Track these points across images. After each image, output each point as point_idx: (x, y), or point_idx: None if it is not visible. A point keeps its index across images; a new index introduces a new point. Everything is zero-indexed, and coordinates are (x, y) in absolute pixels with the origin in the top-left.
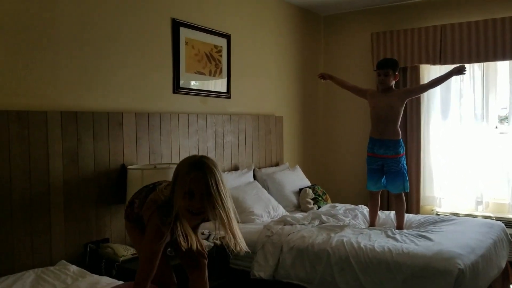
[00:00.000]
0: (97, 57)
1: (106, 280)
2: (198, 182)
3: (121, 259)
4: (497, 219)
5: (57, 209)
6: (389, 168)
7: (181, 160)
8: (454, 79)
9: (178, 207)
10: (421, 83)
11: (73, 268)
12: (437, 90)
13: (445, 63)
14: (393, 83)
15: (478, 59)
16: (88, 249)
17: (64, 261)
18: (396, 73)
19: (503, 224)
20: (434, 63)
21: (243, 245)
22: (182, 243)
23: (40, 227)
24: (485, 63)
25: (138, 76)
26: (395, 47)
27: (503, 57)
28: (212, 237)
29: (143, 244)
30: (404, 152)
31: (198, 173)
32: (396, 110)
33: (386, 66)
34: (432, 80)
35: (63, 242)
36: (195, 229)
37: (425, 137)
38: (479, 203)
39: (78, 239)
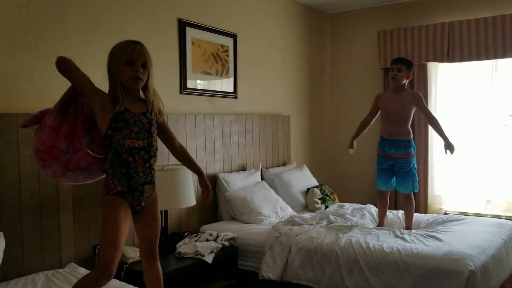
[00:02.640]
0: (103, 53)
1: (114, 283)
2: (137, 52)
3: (130, 261)
4: (507, 218)
5: (66, 211)
6: (400, 168)
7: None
8: (462, 75)
9: (121, 77)
10: (429, 81)
11: (82, 270)
12: (444, 88)
13: (453, 60)
14: (405, 81)
15: (487, 56)
16: (96, 251)
17: (73, 264)
18: (410, 72)
19: None
20: (442, 61)
21: (162, 107)
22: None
23: (50, 229)
24: (493, 60)
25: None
26: (402, 45)
27: None
28: (220, 238)
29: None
30: (415, 152)
31: (136, 46)
32: (407, 111)
33: (400, 61)
34: (437, 123)
35: (72, 244)
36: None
37: (433, 135)
38: (488, 202)
39: (87, 241)
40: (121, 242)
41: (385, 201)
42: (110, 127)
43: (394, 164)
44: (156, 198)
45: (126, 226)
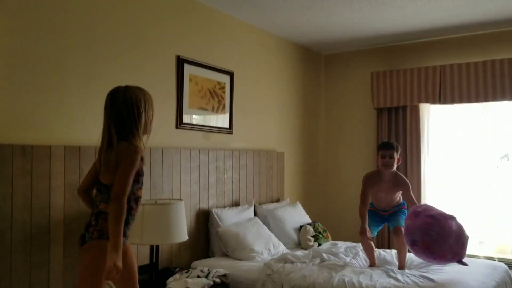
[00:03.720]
0: (102, 92)
1: None
2: None
3: None
4: (500, 260)
5: (56, 243)
6: (393, 213)
7: (118, 94)
8: (457, 116)
9: (147, 124)
10: (421, 121)
11: None
12: (436, 129)
13: (444, 102)
14: (395, 166)
15: (477, 99)
16: None
17: None
18: (399, 156)
19: (506, 266)
20: (433, 102)
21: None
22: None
23: (39, 262)
24: (484, 103)
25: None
26: (394, 86)
27: (502, 98)
28: (211, 275)
29: (118, 181)
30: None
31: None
32: (397, 194)
33: (391, 147)
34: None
35: (61, 278)
36: None
37: (425, 174)
38: (481, 243)
39: (75, 277)
40: None
41: (371, 242)
42: (134, 179)
43: (387, 216)
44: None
45: None
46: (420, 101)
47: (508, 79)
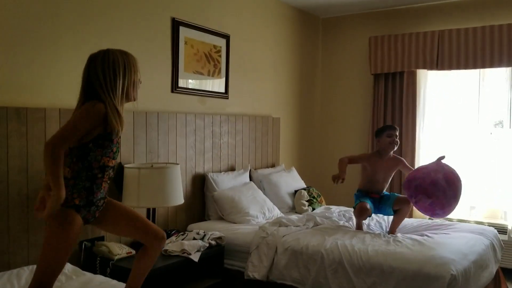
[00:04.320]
0: None
1: (99, 278)
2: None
3: (116, 257)
4: (490, 225)
5: None
6: (385, 196)
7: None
8: (451, 83)
9: (129, 90)
10: (418, 87)
11: (68, 266)
12: (432, 95)
13: (442, 68)
14: None
15: (474, 65)
16: (83, 246)
17: None
18: None
19: (495, 230)
20: (431, 68)
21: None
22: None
23: (36, 223)
24: (481, 70)
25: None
26: (392, 51)
27: (500, 64)
28: (207, 237)
29: (59, 129)
30: None
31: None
32: (391, 175)
33: (396, 128)
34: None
35: None
36: None
37: (420, 140)
38: (472, 208)
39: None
40: (66, 262)
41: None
42: (94, 142)
43: (378, 199)
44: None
45: (75, 244)
46: (418, 67)
47: (506, 45)
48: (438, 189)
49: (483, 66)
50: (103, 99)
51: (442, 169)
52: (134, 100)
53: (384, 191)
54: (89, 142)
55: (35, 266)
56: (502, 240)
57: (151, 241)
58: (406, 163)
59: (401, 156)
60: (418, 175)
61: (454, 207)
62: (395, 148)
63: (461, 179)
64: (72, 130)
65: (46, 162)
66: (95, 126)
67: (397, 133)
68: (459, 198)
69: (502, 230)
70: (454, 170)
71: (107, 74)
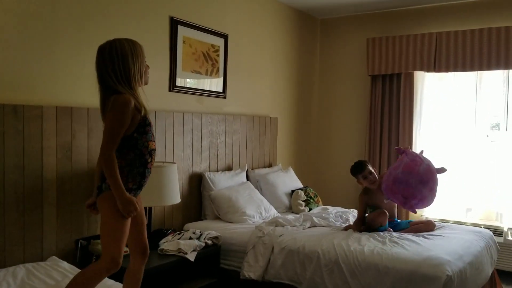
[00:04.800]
0: (93, 53)
1: (109, 282)
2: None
3: None
4: (485, 227)
5: (49, 204)
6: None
7: (109, 46)
8: (448, 85)
9: (144, 74)
10: (415, 89)
11: (64, 264)
12: (430, 97)
13: (439, 70)
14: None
15: (472, 68)
16: (79, 245)
17: (55, 257)
18: (373, 167)
19: (491, 232)
20: (428, 70)
21: None
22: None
23: (32, 222)
24: (478, 72)
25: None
26: (390, 53)
27: (497, 67)
28: (203, 237)
29: (104, 134)
30: None
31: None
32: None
33: (364, 165)
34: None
35: (55, 238)
36: None
37: (416, 142)
38: (468, 210)
39: (70, 235)
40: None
41: None
42: (137, 131)
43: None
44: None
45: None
46: (415, 69)
47: (504, 47)
48: (401, 182)
49: (480, 68)
50: (121, 90)
51: (401, 162)
52: (146, 84)
53: (396, 218)
54: (133, 132)
55: (31, 265)
56: (498, 242)
57: (138, 254)
58: None
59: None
60: (384, 179)
61: (429, 192)
62: (377, 182)
63: (425, 162)
64: (113, 133)
65: (108, 171)
66: (131, 118)
67: (369, 167)
68: (428, 181)
69: (497, 232)
70: (416, 157)
71: (116, 64)
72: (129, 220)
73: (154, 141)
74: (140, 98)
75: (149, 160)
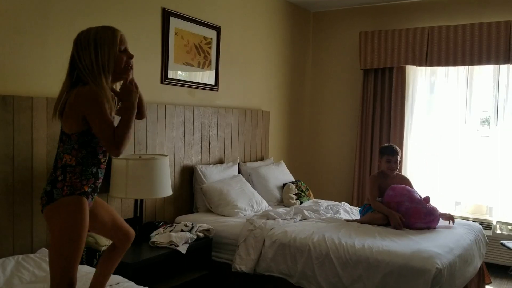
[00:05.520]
0: None
1: (86, 269)
2: (125, 40)
3: (103, 248)
4: (475, 220)
5: (39, 195)
6: None
7: (88, 34)
8: (439, 80)
9: (116, 64)
10: (407, 83)
11: None
12: (421, 91)
13: (431, 64)
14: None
15: (463, 63)
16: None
17: (45, 249)
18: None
19: (480, 225)
20: (420, 65)
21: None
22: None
23: (22, 213)
24: (469, 67)
25: None
26: (382, 47)
27: (488, 62)
28: (195, 229)
29: (102, 131)
30: None
31: (120, 31)
32: None
33: (396, 152)
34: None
35: (44, 229)
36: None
37: (408, 136)
38: (457, 204)
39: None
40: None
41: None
42: None
43: None
44: None
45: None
46: (407, 63)
47: (494, 43)
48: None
49: (471, 63)
50: (93, 79)
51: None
52: (127, 78)
53: None
54: (90, 128)
55: (20, 256)
56: (486, 236)
57: (122, 238)
58: (411, 183)
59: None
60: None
61: (423, 205)
62: (394, 172)
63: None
64: (107, 123)
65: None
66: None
67: (398, 157)
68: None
69: (486, 225)
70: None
71: (81, 54)
72: (85, 234)
73: None
74: (107, 92)
75: (103, 160)
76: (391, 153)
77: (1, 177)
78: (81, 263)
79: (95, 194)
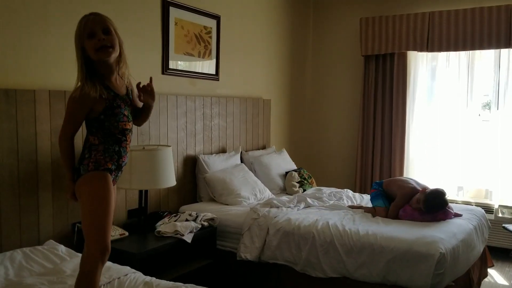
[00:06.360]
0: None
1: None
2: (93, 21)
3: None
4: (477, 205)
5: (45, 188)
6: None
7: None
8: (441, 65)
9: (89, 53)
10: (408, 69)
11: (61, 248)
12: (422, 77)
13: (432, 50)
14: None
15: (464, 47)
16: (75, 228)
17: (52, 241)
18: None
19: (482, 210)
20: (421, 50)
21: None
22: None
23: (29, 206)
24: (470, 52)
25: (127, 56)
26: (383, 33)
27: (489, 46)
28: (199, 218)
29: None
30: None
31: (90, 16)
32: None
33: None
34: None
35: (51, 221)
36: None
37: (410, 122)
38: (459, 188)
39: (66, 219)
40: (112, 213)
41: None
42: (105, 113)
43: None
44: None
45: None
46: (408, 49)
47: (495, 27)
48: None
49: (473, 48)
50: (80, 79)
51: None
52: (101, 59)
53: None
54: (99, 115)
55: (28, 249)
56: (489, 220)
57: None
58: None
59: (391, 139)
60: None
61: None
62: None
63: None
64: (69, 121)
65: (60, 154)
66: (88, 107)
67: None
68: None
69: (488, 210)
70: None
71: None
72: (113, 201)
73: (128, 122)
74: (85, 88)
75: (123, 138)
76: (438, 208)
77: (6, 171)
78: None
79: (119, 172)
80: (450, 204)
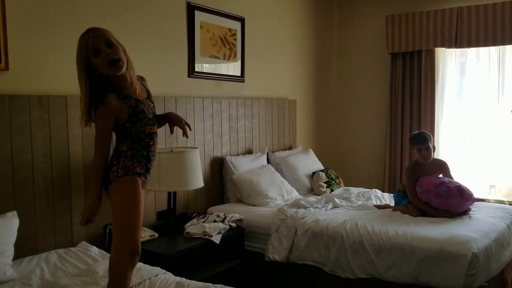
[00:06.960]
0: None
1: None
2: (94, 38)
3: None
4: (510, 203)
5: (77, 191)
6: None
7: None
8: (470, 61)
9: (101, 70)
10: (436, 66)
11: (94, 249)
12: (451, 74)
13: (460, 46)
14: (433, 155)
15: (494, 43)
16: (107, 230)
17: (85, 242)
18: (433, 144)
19: None
20: (449, 46)
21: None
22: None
23: (62, 209)
24: (501, 47)
25: (153, 61)
26: (410, 30)
27: None
28: (227, 219)
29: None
30: None
31: (89, 33)
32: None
33: (425, 140)
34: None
35: None
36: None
37: (439, 120)
38: (492, 187)
39: (98, 221)
40: (142, 216)
41: None
42: (129, 121)
43: None
44: None
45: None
46: (436, 45)
47: None
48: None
49: (503, 43)
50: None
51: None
52: (115, 74)
53: None
54: (124, 123)
55: (62, 250)
56: None
57: None
58: (448, 168)
59: None
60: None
61: (452, 196)
62: (431, 157)
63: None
64: (100, 137)
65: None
66: (112, 117)
67: (429, 144)
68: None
69: None
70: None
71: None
72: (142, 203)
73: (153, 125)
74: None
75: (151, 143)
76: (420, 143)
77: (40, 175)
78: None
79: (148, 175)
80: (471, 191)
